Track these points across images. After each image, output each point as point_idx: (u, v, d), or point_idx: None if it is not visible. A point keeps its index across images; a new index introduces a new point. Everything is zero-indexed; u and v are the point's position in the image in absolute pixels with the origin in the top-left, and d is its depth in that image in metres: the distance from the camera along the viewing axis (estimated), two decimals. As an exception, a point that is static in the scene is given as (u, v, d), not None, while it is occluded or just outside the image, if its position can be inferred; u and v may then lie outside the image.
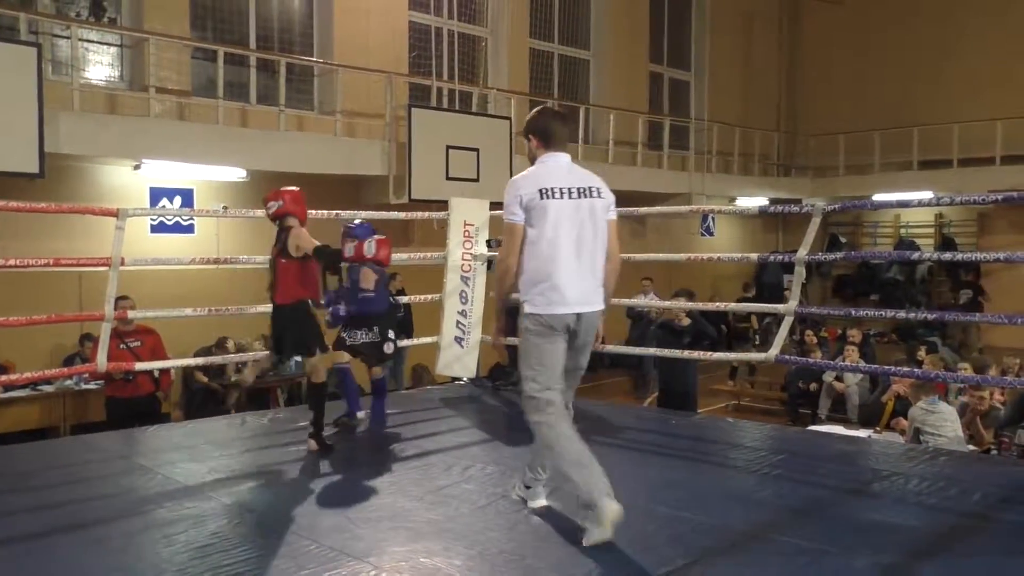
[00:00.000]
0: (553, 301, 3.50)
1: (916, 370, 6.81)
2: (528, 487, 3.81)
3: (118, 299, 6.02)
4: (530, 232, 3.53)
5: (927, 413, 6.40)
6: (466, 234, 6.66)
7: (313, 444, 4.81)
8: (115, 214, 5.30)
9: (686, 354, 6.44)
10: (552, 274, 3.50)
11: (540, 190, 3.52)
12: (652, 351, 6.65)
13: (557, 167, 3.63)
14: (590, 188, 3.61)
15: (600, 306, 3.63)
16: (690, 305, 6.76)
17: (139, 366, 6.16)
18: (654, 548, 3.30)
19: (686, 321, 6.98)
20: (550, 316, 3.50)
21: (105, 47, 10.01)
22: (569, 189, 3.55)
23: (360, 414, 5.57)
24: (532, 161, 3.73)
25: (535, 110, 3.83)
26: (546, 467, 3.74)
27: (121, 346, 6.73)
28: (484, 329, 6.77)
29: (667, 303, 7.18)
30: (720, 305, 7.70)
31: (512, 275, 3.61)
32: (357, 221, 5.36)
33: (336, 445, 4.95)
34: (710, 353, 6.77)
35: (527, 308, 3.55)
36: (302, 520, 3.59)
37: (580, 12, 15.17)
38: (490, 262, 6.64)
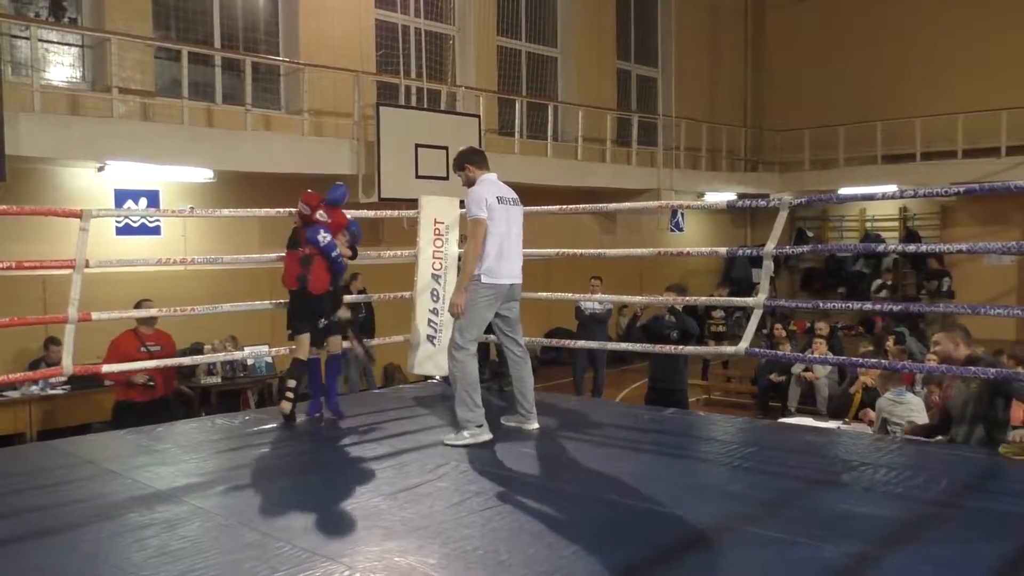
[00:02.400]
0: (502, 274, 4.92)
1: (882, 361, 6.90)
2: (480, 425, 4.84)
3: (141, 301, 6.16)
4: (490, 225, 4.85)
5: (894, 404, 6.49)
6: (436, 232, 6.64)
7: (286, 406, 5.43)
8: (79, 215, 5.23)
9: (657, 348, 6.47)
10: (502, 255, 4.90)
11: (497, 197, 4.94)
12: (642, 347, 6.66)
13: (496, 183, 5.05)
14: (513, 198, 5.08)
15: (521, 279, 5.08)
16: (648, 300, 6.79)
17: (105, 368, 6.04)
18: (624, 541, 3.32)
19: (671, 319, 7.04)
20: (500, 284, 4.91)
21: (66, 47, 9.87)
22: (507, 198, 5.02)
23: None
24: (470, 184, 5.04)
25: (462, 149, 5.32)
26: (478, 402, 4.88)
27: (141, 348, 6.71)
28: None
29: (616, 297, 7.18)
30: (690, 299, 7.73)
31: (480, 256, 4.85)
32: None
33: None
34: (681, 346, 6.80)
35: (483, 279, 4.85)
36: (274, 521, 3.57)
37: (547, 10, 15.21)
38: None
